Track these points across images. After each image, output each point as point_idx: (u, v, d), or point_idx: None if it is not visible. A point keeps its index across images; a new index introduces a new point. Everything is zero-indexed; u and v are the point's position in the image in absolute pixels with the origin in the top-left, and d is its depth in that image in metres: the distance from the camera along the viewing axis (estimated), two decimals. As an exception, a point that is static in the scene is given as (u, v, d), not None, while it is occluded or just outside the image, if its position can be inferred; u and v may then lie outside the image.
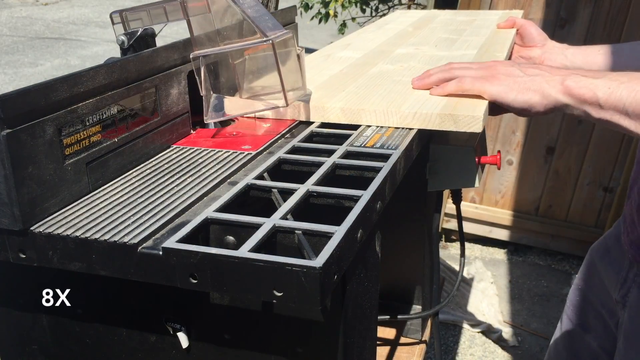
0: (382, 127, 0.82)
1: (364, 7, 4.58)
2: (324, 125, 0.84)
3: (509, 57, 1.23)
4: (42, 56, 6.05)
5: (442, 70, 0.90)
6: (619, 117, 0.76)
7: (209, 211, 0.58)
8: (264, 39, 0.73)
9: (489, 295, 2.42)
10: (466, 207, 2.71)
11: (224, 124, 0.85)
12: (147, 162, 0.74)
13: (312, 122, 0.85)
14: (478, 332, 2.24)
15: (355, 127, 0.83)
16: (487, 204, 2.74)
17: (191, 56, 0.76)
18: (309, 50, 1.26)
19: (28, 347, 0.70)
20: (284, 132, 0.82)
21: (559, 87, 0.80)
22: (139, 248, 0.54)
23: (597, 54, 1.14)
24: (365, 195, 0.60)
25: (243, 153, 0.75)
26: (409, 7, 4.46)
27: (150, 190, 0.65)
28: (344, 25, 4.61)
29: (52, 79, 0.61)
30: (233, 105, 0.83)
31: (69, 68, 5.58)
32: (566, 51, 1.19)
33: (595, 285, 1.12)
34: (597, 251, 1.14)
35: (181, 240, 0.53)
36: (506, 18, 1.35)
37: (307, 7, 4.63)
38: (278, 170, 0.71)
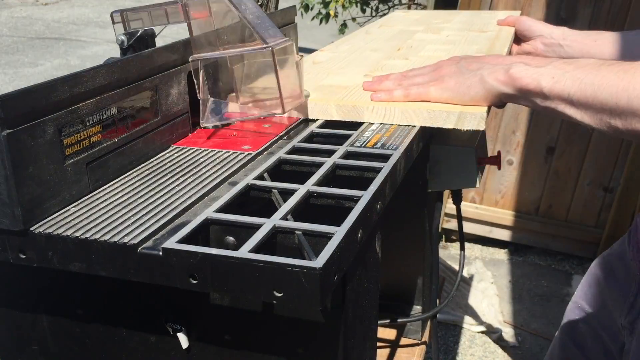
0: (383, 126, 0.82)
1: (364, 7, 4.58)
2: (324, 125, 0.84)
3: (510, 48, 1.20)
4: (42, 56, 6.05)
5: (396, 78, 0.89)
6: (564, 106, 0.74)
7: (209, 211, 0.58)
8: (264, 45, 0.73)
9: (489, 296, 2.42)
10: (466, 207, 2.71)
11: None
12: (147, 163, 0.74)
13: (313, 122, 0.86)
14: (478, 332, 2.24)
15: (356, 126, 0.83)
16: (488, 204, 2.74)
17: (190, 59, 0.76)
18: (310, 50, 1.26)
19: (28, 347, 0.70)
20: (283, 132, 0.82)
21: (502, 77, 0.78)
22: (139, 248, 0.54)
23: (594, 45, 1.12)
24: (366, 196, 0.60)
25: (243, 153, 0.75)
26: (409, 7, 4.47)
27: (150, 190, 0.65)
28: (344, 25, 4.61)
29: (52, 79, 0.61)
30: (230, 110, 0.83)
31: (69, 68, 5.58)
32: (563, 41, 1.17)
33: (597, 306, 1.07)
34: (599, 269, 1.09)
35: (181, 241, 0.53)
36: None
37: (307, 8, 4.63)
38: (278, 171, 0.71)
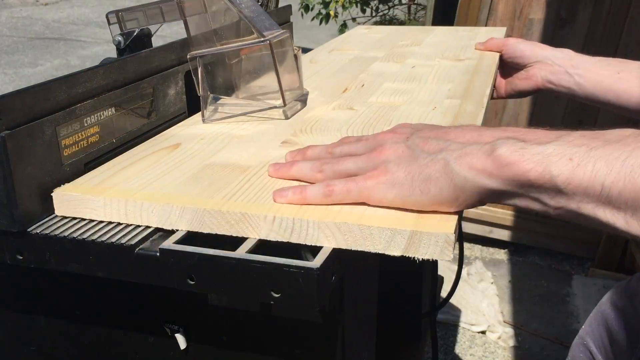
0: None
1: (364, 7, 4.59)
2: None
3: (493, 86, 0.94)
4: (42, 56, 6.06)
5: (317, 157, 0.59)
6: (594, 205, 0.44)
7: (207, 212, 0.58)
8: (261, 39, 0.73)
9: (489, 295, 2.42)
10: (466, 207, 2.70)
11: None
12: (146, 163, 0.73)
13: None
14: (478, 332, 2.24)
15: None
16: (487, 204, 2.74)
17: (188, 56, 0.76)
18: (309, 51, 1.25)
19: (26, 348, 0.70)
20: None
21: (481, 163, 0.48)
22: (137, 249, 0.54)
23: (618, 79, 0.85)
24: (364, 196, 0.60)
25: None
26: (409, 7, 4.47)
27: (148, 191, 0.65)
28: (344, 25, 4.61)
29: (50, 79, 0.61)
30: (230, 106, 0.83)
31: (69, 68, 5.59)
32: (572, 70, 0.90)
33: (601, 347, 0.97)
34: (609, 306, 0.95)
35: (179, 241, 0.53)
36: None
37: (307, 8, 4.64)
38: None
